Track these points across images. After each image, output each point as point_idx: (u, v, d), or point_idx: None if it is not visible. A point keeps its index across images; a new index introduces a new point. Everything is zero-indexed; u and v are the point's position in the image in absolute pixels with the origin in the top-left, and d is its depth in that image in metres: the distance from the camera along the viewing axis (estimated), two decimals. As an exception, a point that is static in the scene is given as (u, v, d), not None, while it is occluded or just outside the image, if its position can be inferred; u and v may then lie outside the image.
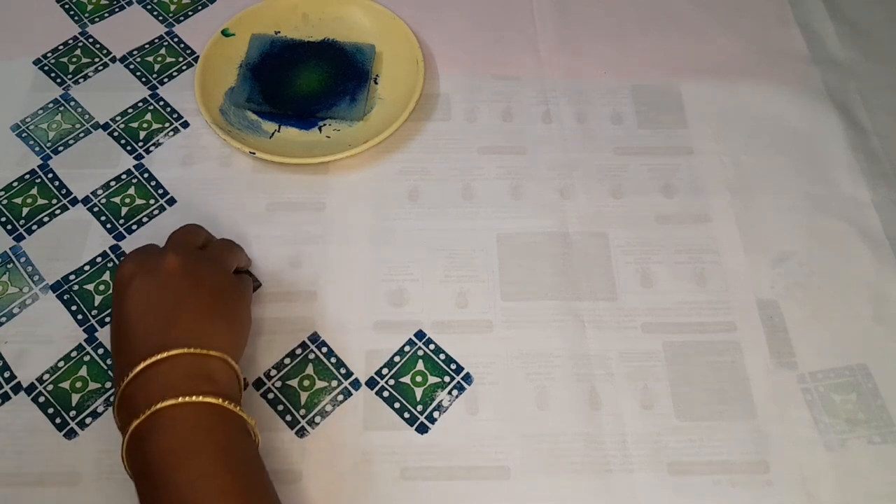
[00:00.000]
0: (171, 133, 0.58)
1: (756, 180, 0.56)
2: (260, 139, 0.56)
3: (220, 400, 0.37)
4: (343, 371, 0.47)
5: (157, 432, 0.36)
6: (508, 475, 0.44)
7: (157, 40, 0.63)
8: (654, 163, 0.57)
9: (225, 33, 0.61)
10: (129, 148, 0.57)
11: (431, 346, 0.48)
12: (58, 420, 0.45)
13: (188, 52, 0.63)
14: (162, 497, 0.35)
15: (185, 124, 0.58)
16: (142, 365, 0.37)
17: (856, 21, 0.65)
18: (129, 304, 0.40)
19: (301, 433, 0.45)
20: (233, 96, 0.58)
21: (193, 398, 0.36)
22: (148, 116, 0.59)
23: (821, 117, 0.59)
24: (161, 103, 0.59)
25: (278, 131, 0.57)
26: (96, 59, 0.62)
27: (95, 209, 0.54)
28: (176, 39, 0.63)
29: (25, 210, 0.53)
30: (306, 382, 0.47)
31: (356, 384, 0.47)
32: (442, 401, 0.46)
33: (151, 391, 0.36)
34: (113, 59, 0.62)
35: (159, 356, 0.37)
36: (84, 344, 0.48)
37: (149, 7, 0.66)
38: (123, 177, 0.55)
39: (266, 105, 0.58)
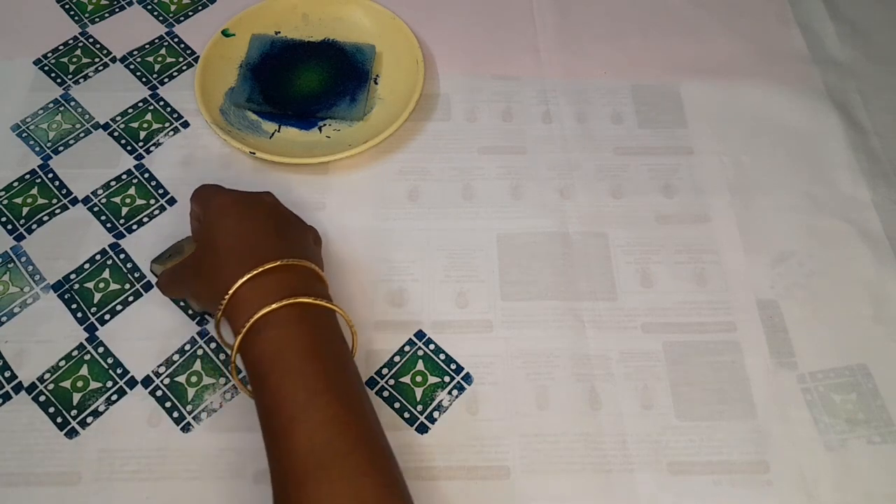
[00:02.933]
0: (172, 133, 0.58)
1: (756, 180, 0.56)
2: (260, 139, 0.56)
3: (313, 298, 0.40)
4: (343, 371, 0.47)
5: (255, 341, 0.39)
6: (508, 475, 0.44)
7: (157, 40, 0.63)
8: (653, 163, 0.57)
9: (225, 33, 0.61)
10: (129, 148, 0.57)
11: (431, 346, 0.48)
12: (59, 419, 0.45)
13: (188, 52, 0.63)
14: (262, 401, 0.38)
15: (186, 124, 0.58)
16: (246, 277, 0.39)
17: (856, 21, 0.65)
18: (231, 226, 0.43)
19: (301, 433, 0.45)
20: (233, 96, 0.58)
21: (288, 300, 0.39)
22: (148, 116, 0.59)
23: (821, 117, 0.59)
24: (161, 103, 0.59)
25: (278, 131, 0.58)
26: (96, 59, 0.62)
27: (96, 209, 0.54)
28: (176, 39, 0.64)
29: (26, 210, 0.54)
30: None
31: (356, 384, 0.47)
32: (442, 401, 0.46)
33: (252, 303, 0.39)
34: (113, 59, 0.62)
35: (261, 268, 0.39)
36: (85, 343, 0.48)
37: (149, 7, 0.66)
38: (124, 177, 0.55)
39: (266, 105, 0.58)
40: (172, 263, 0.48)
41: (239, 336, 0.39)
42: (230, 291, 0.39)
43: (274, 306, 0.38)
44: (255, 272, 0.39)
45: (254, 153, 0.54)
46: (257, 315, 0.38)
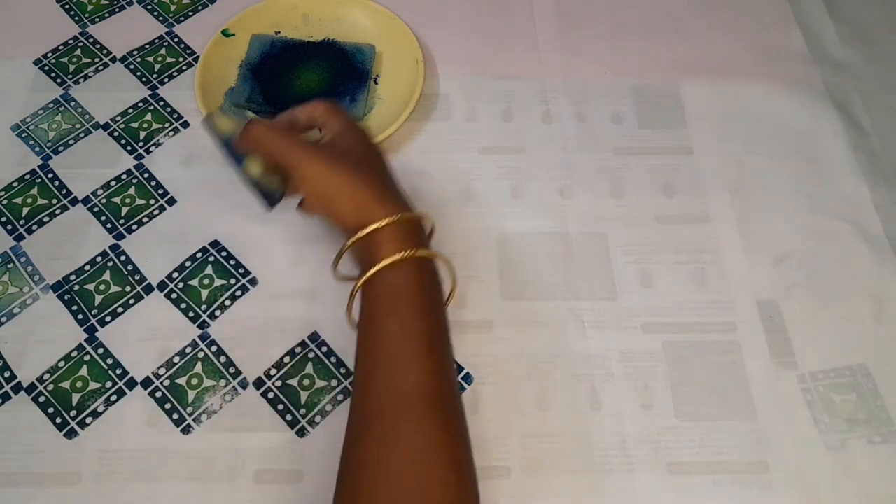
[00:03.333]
0: (172, 133, 0.58)
1: (756, 180, 0.56)
2: None
3: (430, 253, 0.43)
4: (343, 370, 0.47)
5: (379, 281, 0.41)
6: (508, 475, 0.44)
7: (157, 40, 0.63)
8: (654, 163, 0.57)
9: (225, 33, 0.61)
10: (129, 148, 0.57)
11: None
12: (58, 420, 0.45)
13: (188, 52, 0.63)
14: (370, 337, 0.41)
15: (186, 124, 0.58)
16: (372, 227, 0.41)
17: (856, 21, 0.65)
18: (377, 163, 0.46)
19: (301, 433, 0.45)
20: (233, 96, 0.58)
21: (415, 252, 0.41)
22: (148, 116, 0.59)
23: (821, 117, 0.59)
24: (161, 103, 0.59)
25: None
26: (96, 60, 0.62)
27: (95, 209, 0.54)
28: (176, 39, 0.63)
29: (26, 210, 0.53)
30: (306, 382, 0.47)
31: (356, 384, 0.47)
32: (442, 401, 0.46)
33: (373, 251, 0.42)
34: (113, 60, 0.62)
35: (386, 220, 0.42)
36: (84, 344, 0.48)
37: (149, 7, 0.66)
38: (123, 177, 0.55)
39: (266, 105, 0.58)
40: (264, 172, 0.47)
41: (368, 272, 0.41)
42: (371, 228, 0.41)
43: (406, 255, 0.41)
44: (395, 218, 0.42)
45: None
46: (394, 258, 0.41)
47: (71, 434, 0.45)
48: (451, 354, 0.41)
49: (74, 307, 0.49)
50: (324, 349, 0.48)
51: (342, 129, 0.46)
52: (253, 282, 0.50)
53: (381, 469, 0.36)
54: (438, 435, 0.38)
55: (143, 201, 0.54)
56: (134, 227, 0.53)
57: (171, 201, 0.54)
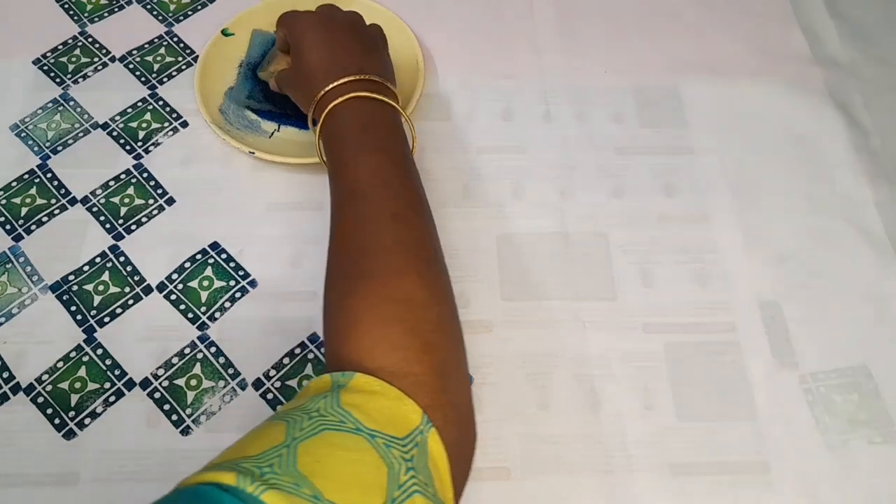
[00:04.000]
0: (171, 133, 0.58)
1: (757, 180, 0.56)
2: (259, 139, 0.56)
3: (383, 97, 0.47)
4: (343, 371, 0.47)
5: (331, 122, 0.46)
6: (508, 475, 0.44)
7: (156, 40, 0.63)
8: (654, 162, 0.56)
9: (225, 33, 0.61)
10: (128, 147, 0.57)
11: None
12: (57, 420, 0.45)
13: (188, 51, 0.63)
14: (335, 171, 0.45)
15: (185, 124, 0.58)
16: (337, 82, 0.47)
17: (857, 21, 0.65)
18: (316, 40, 0.50)
19: (300, 434, 0.45)
20: (233, 95, 0.58)
21: (358, 94, 0.46)
22: (147, 116, 0.58)
23: (822, 117, 0.59)
24: (160, 103, 0.59)
25: (277, 131, 0.57)
26: (95, 59, 0.62)
27: (94, 209, 0.54)
28: (175, 39, 0.63)
29: (24, 210, 0.53)
30: (306, 382, 0.47)
31: (356, 384, 0.47)
32: (442, 401, 0.46)
33: (332, 98, 0.46)
34: (112, 59, 0.62)
35: (349, 78, 0.47)
36: (83, 344, 0.48)
37: (148, 7, 0.65)
38: (122, 176, 0.55)
39: (266, 103, 0.58)
40: (274, 68, 0.57)
41: (321, 119, 0.46)
42: (316, 98, 0.47)
43: (349, 79, 0.46)
44: (337, 83, 0.46)
45: (253, 153, 0.54)
46: (331, 86, 0.46)
47: (69, 435, 0.45)
48: (410, 165, 0.46)
49: (73, 308, 0.49)
50: (323, 350, 0.48)
51: (290, 38, 0.52)
52: (252, 283, 0.50)
53: (359, 233, 0.41)
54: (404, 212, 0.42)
55: (142, 201, 0.54)
56: (133, 227, 0.53)
57: (171, 201, 0.54)
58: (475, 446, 0.39)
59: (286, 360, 0.48)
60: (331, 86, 0.47)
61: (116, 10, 0.65)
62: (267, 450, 0.29)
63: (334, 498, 0.27)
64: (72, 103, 0.59)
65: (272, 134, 0.57)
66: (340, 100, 0.46)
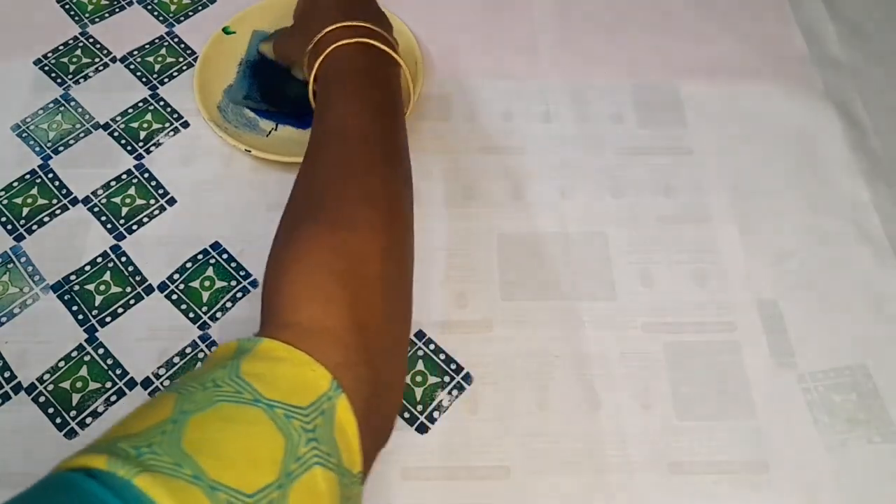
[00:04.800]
0: (172, 133, 0.58)
1: (756, 180, 0.56)
2: (257, 137, 0.56)
3: (382, 45, 0.46)
4: (343, 371, 0.47)
5: (324, 66, 0.45)
6: (508, 475, 0.44)
7: (157, 40, 0.63)
8: (654, 163, 0.57)
9: (226, 31, 0.61)
10: (129, 148, 0.57)
11: (431, 346, 0.48)
12: (58, 420, 0.45)
13: (188, 52, 0.63)
14: (316, 114, 0.44)
15: (186, 124, 0.58)
16: (336, 25, 0.45)
17: (856, 21, 0.65)
18: None
19: (301, 433, 0.45)
20: (231, 93, 0.58)
21: (361, 40, 0.45)
22: (148, 116, 0.59)
23: (820, 117, 0.59)
24: (161, 103, 0.59)
25: (275, 130, 0.57)
26: (97, 60, 0.62)
27: (96, 209, 0.54)
28: (176, 39, 0.63)
29: (26, 210, 0.53)
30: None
31: (356, 384, 0.47)
32: (442, 401, 0.46)
33: (330, 43, 0.45)
34: (113, 60, 0.62)
35: (348, 23, 0.46)
36: (84, 344, 0.48)
37: (149, 7, 0.66)
38: (124, 177, 0.55)
39: (263, 103, 0.58)
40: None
41: (317, 61, 0.45)
42: (315, 39, 0.46)
43: (348, 23, 0.45)
44: (336, 25, 0.45)
45: (249, 151, 0.54)
46: (329, 28, 0.45)
47: (71, 434, 0.45)
48: (399, 116, 0.45)
49: (75, 307, 0.49)
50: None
51: None
52: (253, 283, 0.50)
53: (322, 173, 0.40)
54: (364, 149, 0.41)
55: (143, 201, 0.54)
56: (134, 227, 0.53)
57: (172, 201, 0.54)
58: (397, 405, 0.38)
59: (287, 360, 0.48)
60: (328, 29, 0.45)
61: (117, 10, 0.65)
62: (151, 426, 0.27)
63: (220, 476, 0.25)
64: (73, 104, 0.59)
65: (270, 132, 0.57)
66: (337, 45, 0.45)
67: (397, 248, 0.39)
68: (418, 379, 0.47)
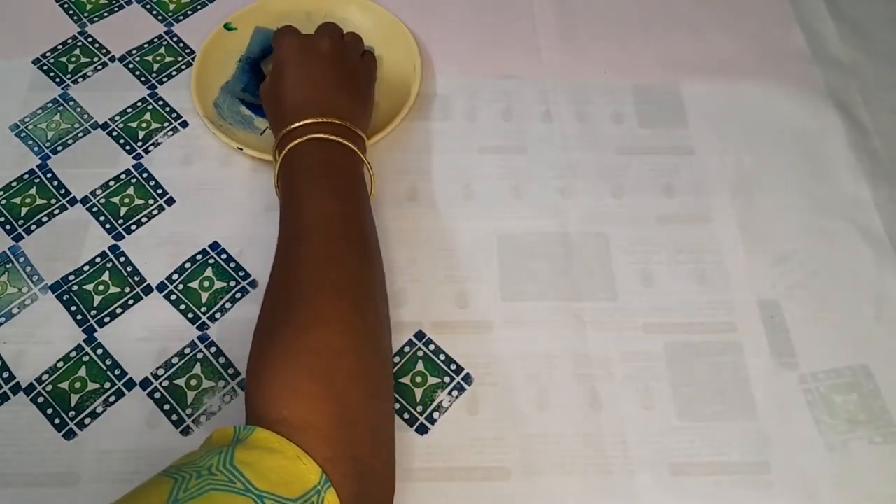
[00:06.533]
0: (171, 133, 0.58)
1: (757, 180, 0.56)
2: (251, 135, 0.56)
3: (343, 140, 0.47)
4: (343, 371, 0.47)
5: (287, 161, 0.46)
6: (508, 476, 0.44)
7: (156, 39, 0.63)
8: (654, 162, 0.56)
9: (227, 27, 0.61)
10: (128, 147, 0.57)
11: (431, 347, 0.48)
12: (57, 420, 0.45)
13: (187, 51, 0.63)
14: (285, 208, 0.46)
15: (185, 124, 0.58)
16: (299, 123, 0.47)
17: (857, 20, 0.65)
18: (292, 71, 0.50)
19: (301, 434, 0.45)
20: (229, 87, 0.58)
21: (323, 136, 0.46)
22: (147, 116, 0.58)
23: (822, 117, 0.59)
24: (160, 103, 0.59)
25: (270, 128, 0.57)
26: (95, 59, 0.62)
27: (94, 209, 0.54)
28: (175, 39, 0.63)
29: (24, 210, 0.53)
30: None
31: (356, 385, 0.47)
32: (442, 401, 0.46)
33: (292, 139, 0.46)
34: (112, 59, 0.62)
35: (312, 120, 0.47)
36: (83, 344, 0.48)
37: (148, 6, 0.65)
38: (122, 176, 0.55)
39: (259, 99, 0.58)
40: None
41: (281, 155, 0.47)
42: (278, 136, 0.47)
43: (311, 120, 0.46)
44: (299, 124, 0.46)
45: (241, 148, 0.54)
46: (293, 126, 0.46)
47: (70, 435, 0.45)
48: (363, 211, 0.46)
49: (73, 307, 0.49)
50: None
51: (275, 57, 0.52)
52: (253, 284, 0.50)
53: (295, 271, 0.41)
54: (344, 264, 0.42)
55: (142, 201, 0.54)
56: (133, 227, 0.53)
57: (171, 201, 0.54)
58: (389, 497, 0.38)
59: (286, 361, 0.47)
60: (293, 126, 0.47)
61: (116, 9, 0.65)
62: None
63: None
64: (72, 103, 0.59)
65: (264, 131, 0.57)
66: (298, 141, 0.46)
67: (371, 336, 0.40)
68: (418, 380, 0.47)
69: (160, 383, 0.46)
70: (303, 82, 0.50)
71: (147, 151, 0.57)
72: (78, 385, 0.46)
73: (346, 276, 0.41)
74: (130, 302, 0.49)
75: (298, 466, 0.32)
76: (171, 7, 0.65)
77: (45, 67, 0.61)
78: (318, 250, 0.42)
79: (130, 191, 0.55)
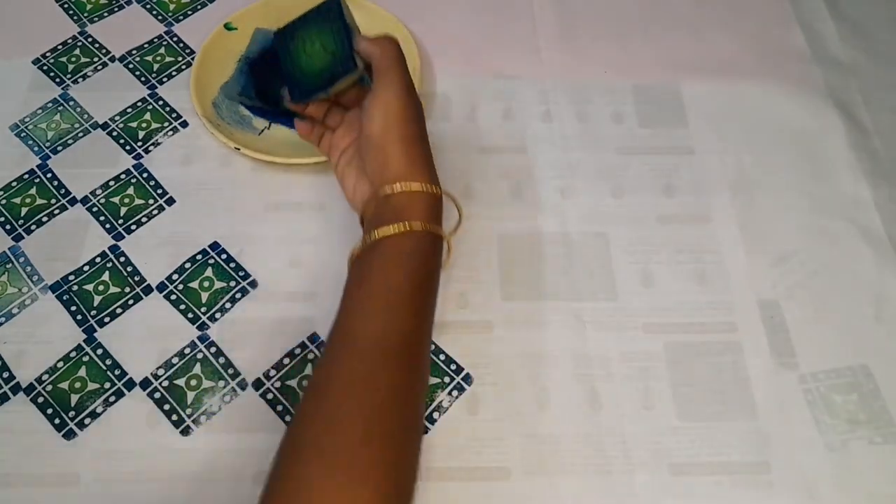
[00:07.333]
0: (171, 133, 0.58)
1: (757, 180, 0.56)
2: (249, 135, 0.56)
3: (436, 229, 0.42)
4: (343, 371, 0.47)
5: (376, 251, 0.41)
6: (508, 475, 0.44)
7: (156, 40, 0.63)
8: (654, 162, 0.56)
9: (227, 27, 0.61)
10: (128, 147, 0.57)
11: (431, 347, 0.48)
12: (57, 420, 0.45)
13: (187, 51, 0.63)
14: (352, 294, 0.41)
15: (185, 124, 0.58)
16: (394, 188, 0.42)
17: (857, 20, 0.65)
18: (413, 121, 0.44)
19: (301, 434, 0.45)
20: (226, 88, 0.58)
21: (431, 230, 0.42)
22: (147, 116, 0.58)
23: (822, 117, 0.59)
24: (160, 103, 0.59)
25: (268, 128, 0.57)
26: (95, 59, 0.62)
27: (94, 209, 0.54)
28: (175, 39, 0.63)
29: (24, 210, 0.53)
30: (306, 383, 0.47)
31: (356, 385, 0.47)
32: (442, 401, 0.46)
33: (392, 214, 0.41)
34: (112, 59, 0.62)
35: (412, 188, 0.42)
36: (83, 344, 0.48)
37: (148, 6, 0.65)
38: (122, 176, 0.55)
39: (258, 100, 0.57)
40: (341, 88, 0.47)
41: (374, 231, 0.41)
42: (393, 191, 0.42)
43: (417, 228, 0.41)
44: (422, 188, 0.42)
45: (238, 149, 0.54)
46: (404, 228, 0.40)
47: (70, 435, 0.45)
48: (425, 346, 0.41)
49: (73, 308, 0.49)
50: (323, 350, 0.48)
51: (397, 87, 0.44)
52: (253, 284, 0.50)
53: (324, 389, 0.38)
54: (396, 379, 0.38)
55: (141, 201, 0.54)
56: (133, 227, 0.53)
57: (170, 201, 0.54)
58: None
59: (286, 360, 0.47)
60: (401, 188, 0.42)
61: (116, 9, 0.65)
62: None
63: None
64: (71, 103, 0.59)
65: (262, 131, 0.57)
66: (394, 231, 0.41)
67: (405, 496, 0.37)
68: (418, 379, 0.47)
69: (160, 383, 0.46)
70: (418, 134, 0.44)
71: (147, 151, 0.57)
72: (78, 385, 0.46)
73: (397, 423, 0.37)
74: (130, 302, 0.49)
75: None
76: (171, 7, 0.65)
77: (45, 67, 0.61)
78: (394, 377, 0.38)
79: (130, 191, 0.54)
